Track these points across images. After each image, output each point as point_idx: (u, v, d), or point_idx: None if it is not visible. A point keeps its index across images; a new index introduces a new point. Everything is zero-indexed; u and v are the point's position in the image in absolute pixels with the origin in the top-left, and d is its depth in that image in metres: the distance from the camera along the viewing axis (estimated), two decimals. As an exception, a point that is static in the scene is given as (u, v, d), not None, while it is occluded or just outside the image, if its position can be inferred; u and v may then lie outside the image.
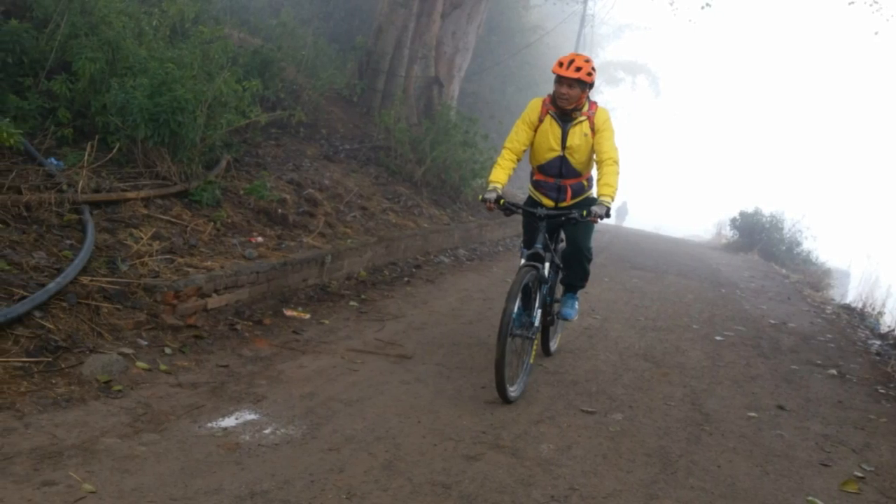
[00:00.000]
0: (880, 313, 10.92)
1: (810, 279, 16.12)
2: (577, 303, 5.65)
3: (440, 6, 13.83)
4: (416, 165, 11.06)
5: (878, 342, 8.14)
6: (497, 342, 4.32)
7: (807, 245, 20.67)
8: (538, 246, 4.85)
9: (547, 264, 4.92)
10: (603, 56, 39.37)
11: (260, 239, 6.47)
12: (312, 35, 11.36)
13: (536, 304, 4.82)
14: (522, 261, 4.87)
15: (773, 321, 8.53)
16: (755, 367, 6.25)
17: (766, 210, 21.43)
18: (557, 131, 5.00)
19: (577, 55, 4.90)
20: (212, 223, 6.29)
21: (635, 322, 7.44)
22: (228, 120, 7.05)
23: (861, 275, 17.92)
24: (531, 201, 5.33)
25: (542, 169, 5.22)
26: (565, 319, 5.62)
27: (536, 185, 5.31)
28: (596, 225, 5.00)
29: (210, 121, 6.87)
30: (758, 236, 20.67)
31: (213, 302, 5.25)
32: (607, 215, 4.72)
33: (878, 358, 7.17)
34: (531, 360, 4.89)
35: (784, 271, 16.75)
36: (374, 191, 9.66)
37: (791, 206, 23.06)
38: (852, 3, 15.01)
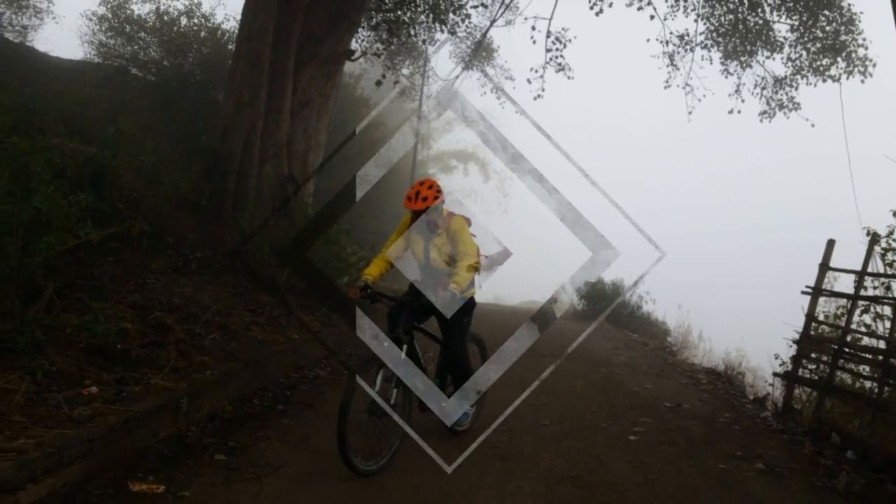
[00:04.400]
0: (740, 373, 10.80)
1: (664, 343, 16.25)
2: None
3: (288, 105, 12.82)
4: (279, 269, 9.72)
5: (768, 413, 7.86)
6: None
7: (645, 308, 20.68)
8: (398, 330, 5.07)
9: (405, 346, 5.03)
10: (436, 147, 40.17)
11: (94, 389, 4.93)
12: (153, 140, 9.83)
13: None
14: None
15: (667, 404, 7.88)
16: (686, 472, 5.32)
17: (607, 278, 21.34)
18: (421, 244, 5.46)
19: (420, 184, 5.25)
20: (29, 376, 4.72)
21: (542, 429, 6.35)
22: (49, 242, 5.50)
23: (675, 324, 18.41)
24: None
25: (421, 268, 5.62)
26: (458, 426, 5.69)
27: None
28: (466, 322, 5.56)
29: (28, 245, 5.33)
30: (603, 304, 20.59)
31: (27, 496, 3.69)
32: (452, 300, 5.13)
33: (785, 437, 6.64)
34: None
35: (636, 336, 16.79)
36: (233, 303, 8.22)
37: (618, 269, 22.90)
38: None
